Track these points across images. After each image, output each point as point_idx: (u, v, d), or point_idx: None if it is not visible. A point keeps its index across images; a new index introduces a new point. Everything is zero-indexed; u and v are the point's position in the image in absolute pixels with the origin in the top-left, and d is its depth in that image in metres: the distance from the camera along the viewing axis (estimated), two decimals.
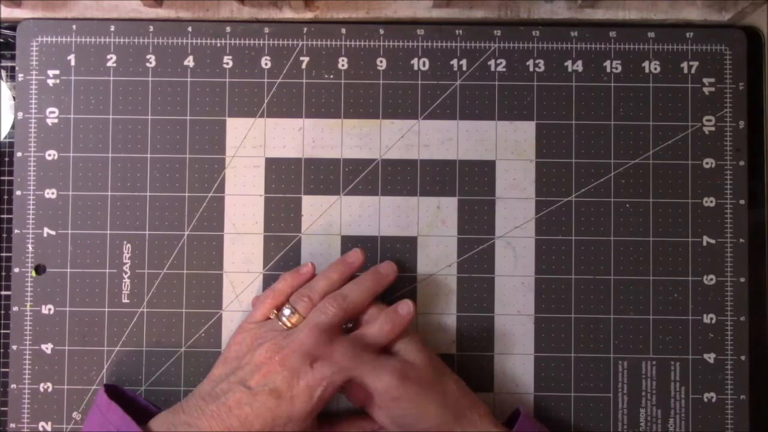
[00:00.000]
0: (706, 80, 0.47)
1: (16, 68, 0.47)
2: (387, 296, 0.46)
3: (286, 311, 0.42)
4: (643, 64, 0.47)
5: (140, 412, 0.43)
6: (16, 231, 0.46)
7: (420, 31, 0.47)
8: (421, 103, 0.47)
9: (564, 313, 0.46)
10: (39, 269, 0.46)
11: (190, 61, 0.47)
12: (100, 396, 0.43)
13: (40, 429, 0.46)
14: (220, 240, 0.47)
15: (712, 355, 0.46)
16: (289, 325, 0.42)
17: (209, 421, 0.39)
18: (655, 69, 0.47)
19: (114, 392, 0.43)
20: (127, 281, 0.46)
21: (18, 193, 0.47)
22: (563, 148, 0.47)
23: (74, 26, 0.47)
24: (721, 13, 0.48)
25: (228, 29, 0.47)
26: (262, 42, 0.47)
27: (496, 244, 0.47)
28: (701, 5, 0.48)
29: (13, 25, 0.47)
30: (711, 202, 0.47)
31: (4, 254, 0.47)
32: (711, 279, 0.46)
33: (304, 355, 0.40)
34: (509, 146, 0.47)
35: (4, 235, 0.47)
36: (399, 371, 0.40)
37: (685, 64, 0.47)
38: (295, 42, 0.47)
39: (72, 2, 0.48)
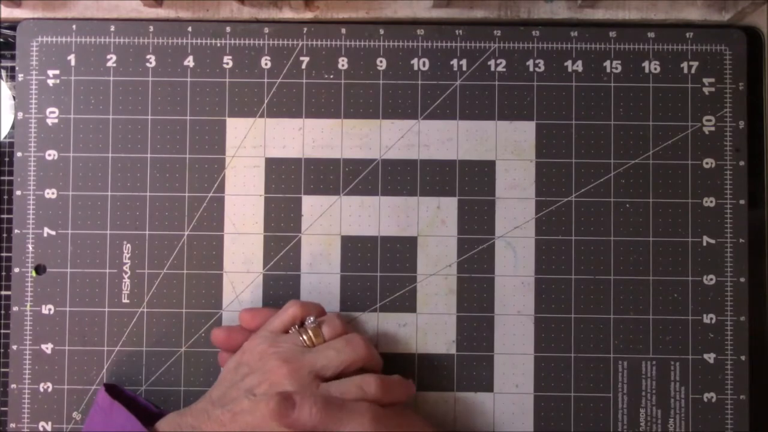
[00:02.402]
0: (706, 80, 0.47)
1: (16, 68, 0.47)
2: (386, 296, 0.46)
3: (312, 329, 0.41)
4: (643, 64, 0.47)
5: (140, 411, 0.43)
6: (16, 231, 0.46)
7: (420, 31, 0.47)
8: (421, 103, 0.47)
9: (564, 313, 0.46)
10: (39, 269, 0.46)
11: (190, 61, 0.47)
12: (102, 396, 0.43)
13: (40, 429, 0.46)
14: (220, 240, 0.47)
15: (712, 355, 0.46)
16: (308, 343, 0.41)
17: (212, 426, 0.39)
18: (655, 69, 0.47)
19: (113, 392, 0.43)
20: (127, 281, 0.46)
21: (18, 193, 0.47)
22: (563, 148, 0.47)
23: (74, 26, 0.47)
24: (721, 13, 0.48)
25: (228, 29, 0.47)
26: (262, 42, 0.47)
27: (496, 244, 0.47)
28: (701, 5, 0.48)
29: (13, 25, 0.47)
30: (711, 202, 0.47)
31: (4, 254, 0.47)
32: (711, 279, 0.46)
33: (313, 373, 0.40)
34: (509, 146, 0.47)
35: (4, 235, 0.47)
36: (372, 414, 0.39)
37: (685, 64, 0.47)
38: (295, 42, 0.47)
39: (72, 2, 0.48)
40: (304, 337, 0.41)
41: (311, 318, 0.42)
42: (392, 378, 0.41)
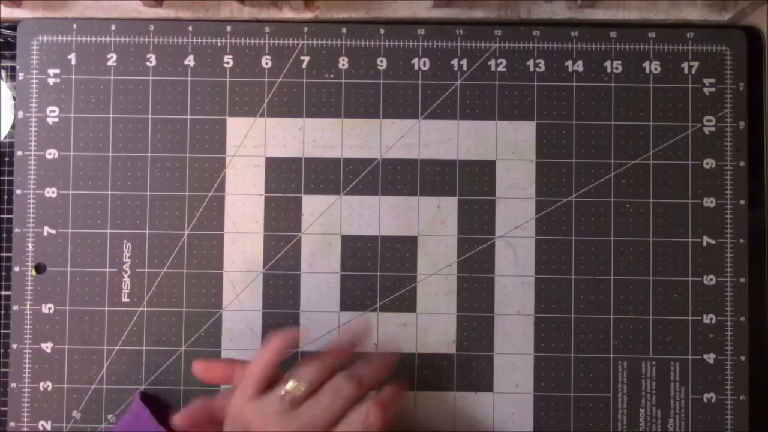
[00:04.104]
0: (706, 80, 0.47)
1: (17, 67, 0.47)
2: (387, 295, 0.46)
3: (291, 383, 0.38)
4: (643, 65, 0.47)
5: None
6: (16, 230, 0.46)
7: (420, 31, 0.47)
8: (422, 102, 0.47)
9: (564, 313, 0.46)
10: (39, 268, 0.46)
11: (190, 61, 0.47)
12: (136, 403, 0.43)
13: (40, 428, 0.46)
14: (220, 239, 0.47)
15: (712, 356, 0.46)
16: (289, 397, 0.38)
17: None
18: (656, 69, 0.47)
19: (148, 399, 0.44)
20: (127, 280, 0.46)
21: (18, 192, 0.47)
22: (563, 148, 0.47)
23: (75, 25, 0.47)
24: (721, 13, 0.48)
25: (228, 28, 0.47)
26: (262, 41, 0.47)
27: (496, 243, 0.47)
28: (701, 5, 0.48)
29: (13, 24, 0.47)
30: (711, 202, 0.47)
31: (4, 253, 0.47)
32: (711, 279, 0.46)
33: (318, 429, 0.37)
34: (509, 146, 0.47)
35: (5, 235, 0.47)
36: None
37: (685, 65, 0.47)
38: (295, 41, 0.47)
39: (72, 2, 0.48)
40: (289, 400, 0.38)
41: (297, 384, 0.38)
42: (385, 394, 0.39)
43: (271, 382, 0.39)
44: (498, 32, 0.47)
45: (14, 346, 0.46)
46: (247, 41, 0.47)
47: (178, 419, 0.40)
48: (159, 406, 0.45)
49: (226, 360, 0.43)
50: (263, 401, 0.38)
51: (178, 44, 0.47)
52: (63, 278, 0.46)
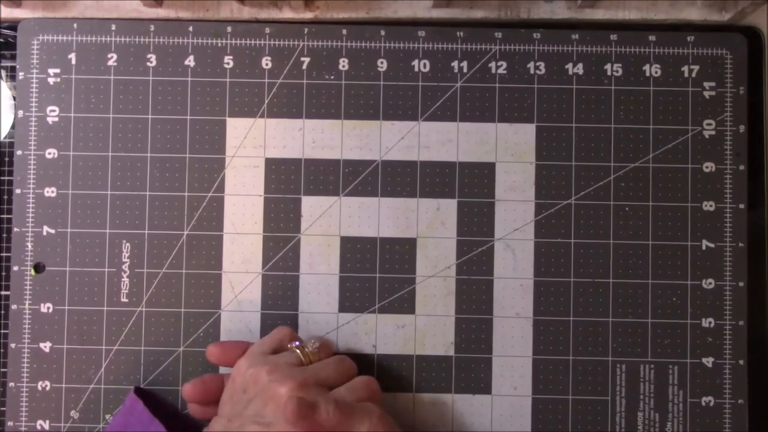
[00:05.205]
0: (706, 84, 0.47)
1: (17, 66, 0.47)
2: (385, 297, 0.46)
3: (311, 352, 0.42)
4: (643, 68, 0.47)
5: (167, 416, 0.43)
6: (15, 229, 0.46)
7: (421, 33, 0.47)
8: (422, 104, 0.47)
9: (563, 315, 0.46)
10: (38, 268, 0.46)
11: (190, 61, 0.47)
12: (130, 398, 0.43)
13: (38, 428, 0.46)
14: (219, 240, 0.47)
15: (711, 359, 0.46)
16: (305, 361, 0.41)
17: None
18: (656, 72, 0.47)
19: (144, 395, 0.44)
20: (126, 280, 0.46)
21: (18, 191, 0.47)
22: (563, 150, 0.47)
23: (75, 25, 0.47)
24: (721, 13, 0.48)
25: (229, 29, 0.47)
26: (262, 42, 0.47)
27: (495, 246, 0.47)
28: (701, 5, 0.47)
29: (13, 25, 0.47)
30: (710, 206, 0.47)
31: (3, 253, 0.47)
32: (710, 283, 0.46)
33: (319, 384, 0.40)
34: (509, 148, 0.47)
35: (4, 234, 0.47)
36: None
37: (685, 68, 0.47)
38: (295, 42, 0.47)
39: (72, 2, 0.47)
40: (300, 354, 0.42)
41: (314, 342, 0.43)
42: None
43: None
44: (498, 34, 0.47)
45: (13, 345, 0.46)
46: (248, 42, 0.47)
47: (187, 388, 0.42)
48: (155, 402, 0.45)
49: (239, 341, 0.45)
50: (275, 356, 0.42)
51: (178, 44, 0.47)
52: (62, 278, 0.46)
